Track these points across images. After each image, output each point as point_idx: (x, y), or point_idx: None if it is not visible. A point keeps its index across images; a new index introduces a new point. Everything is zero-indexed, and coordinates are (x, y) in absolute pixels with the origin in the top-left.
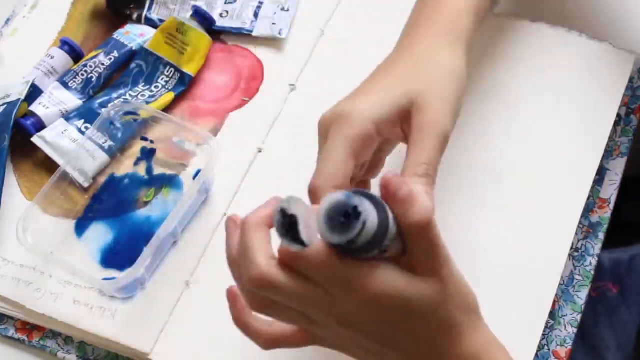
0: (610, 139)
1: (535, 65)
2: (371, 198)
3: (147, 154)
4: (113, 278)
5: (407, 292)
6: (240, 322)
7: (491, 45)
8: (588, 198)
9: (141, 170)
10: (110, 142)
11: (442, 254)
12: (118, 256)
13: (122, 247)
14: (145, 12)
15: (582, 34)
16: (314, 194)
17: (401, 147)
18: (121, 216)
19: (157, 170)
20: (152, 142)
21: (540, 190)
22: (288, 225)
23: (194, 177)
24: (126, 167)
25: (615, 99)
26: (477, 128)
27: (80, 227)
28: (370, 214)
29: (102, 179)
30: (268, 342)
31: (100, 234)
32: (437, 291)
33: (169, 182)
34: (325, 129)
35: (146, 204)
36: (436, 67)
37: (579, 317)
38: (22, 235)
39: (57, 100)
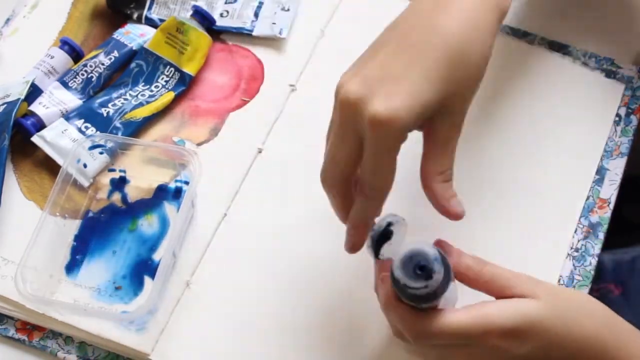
0: (610, 139)
1: (531, 83)
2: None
3: (118, 184)
4: (126, 312)
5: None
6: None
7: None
8: (588, 198)
9: (117, 201)
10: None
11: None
12: (121, 290)
13: (122, 280)
14: (145, 11)
15: (576, 61)
16: (370, 209)
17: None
18: (112, 250)
19: (133, 198)
20: (121, 171)
21: (538, 191)
22: (381, 236)
23: (173, 193)
24: (100, 202)
25: (605, 127)
26: (474, 129)
27: (72, 270)
28: (440, 271)
29: (79, 220)
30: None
31: (95, 272)
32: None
33: (150, 207)
34: (352, 118)
35: (133, 231)
36: (472, 56)
37: None
38: (22, 286)
39: (57, 100)
